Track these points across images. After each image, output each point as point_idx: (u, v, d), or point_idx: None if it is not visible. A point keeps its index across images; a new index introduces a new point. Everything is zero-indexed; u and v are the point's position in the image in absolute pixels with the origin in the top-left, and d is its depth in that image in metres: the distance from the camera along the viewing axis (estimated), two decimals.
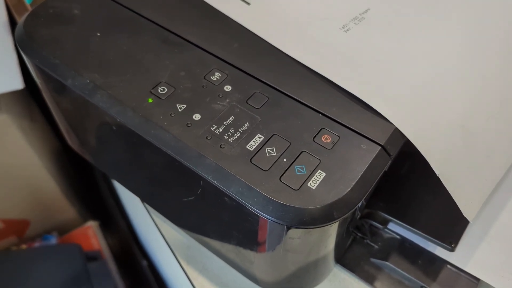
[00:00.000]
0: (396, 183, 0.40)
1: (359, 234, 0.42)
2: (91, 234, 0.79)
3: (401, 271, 0.39)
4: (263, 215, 0.28)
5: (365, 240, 0.42)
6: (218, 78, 0.34)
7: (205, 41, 0.37)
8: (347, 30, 0.38)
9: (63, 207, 0.82)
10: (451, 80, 0.36)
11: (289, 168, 0.29)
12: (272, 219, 0.28)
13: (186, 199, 0.35)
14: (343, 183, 0.29)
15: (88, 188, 0.85)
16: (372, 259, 0.41)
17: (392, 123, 0.32)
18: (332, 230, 0.31)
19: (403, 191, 0.40)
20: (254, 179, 0.29)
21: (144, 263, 0.65)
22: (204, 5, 0.40)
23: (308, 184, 0.29)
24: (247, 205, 0.29)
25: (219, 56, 0.36)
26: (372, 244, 0.42)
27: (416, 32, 0.38)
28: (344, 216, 0.28)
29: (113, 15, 0.39)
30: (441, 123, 0.33)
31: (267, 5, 0.40)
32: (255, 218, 0.29)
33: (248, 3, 0.40)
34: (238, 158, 0.30)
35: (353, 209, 0.29)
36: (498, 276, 0.37)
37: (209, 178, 0.30)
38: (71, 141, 0.47)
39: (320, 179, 0.29)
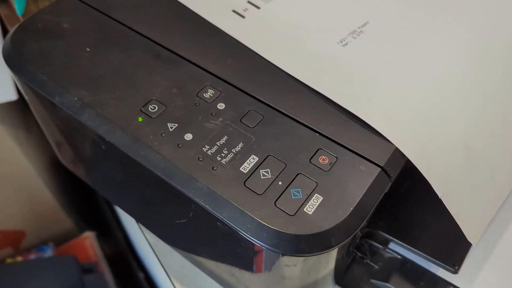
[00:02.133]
0: (397, 202, 0.38)
1: (358, 254, 0.40)
2: (88, 245, 0.78)
3: None
4: (257, 242, 0.27)
5: (364, 260, 0.41)
6: (211, 95, 0.33)
7: (198, 56, 0.36)
8: (345, 44, 0.36)
9: (60, 217, 0.82)
10: (452, 97, 0.34)
11: (285, 191, 0.28)
12: (267, 246, 0.27)
13: (178, 221, 0.34)
14: (341, 208, 0.27)
15: (84, 198, 0.84)
16: (372, 280, 0.40)
17: (392, 143, 0.30)
18: (330, 257, 0.30)
19: (404, 209, 0.39)
20: (248, 204, 0.27)
21: (141, 275, 0.64)
22: (197, 19, 0.39)
23: (305, 209, 0.27)
24: (240, 232, 0.27)
25: (213, 72, 0.35)
26: (372, 264, 0.40)
27: (416, 47, 0.37)
28: (343, 243, 0.27)
29: (104, 29, 0.38)
30: (443, 142, 0.32)
31: (262, 18, 0.39)
32: (249, 245, 0.28)
33: (243, 17, 0.39)
34: (231, 181, 0.29)
35: (352, 236, 0.27)
36: None
37: (200, 202, 0.28)
38: (62, 158, 0.46)
39: (317, 204, 0.28)
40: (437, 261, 0.36)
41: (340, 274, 0.39)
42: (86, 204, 0.84)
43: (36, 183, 0.74)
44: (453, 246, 0.36)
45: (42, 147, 0.75)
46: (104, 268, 0.75)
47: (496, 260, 0.38)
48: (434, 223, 0.38)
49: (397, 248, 0.40)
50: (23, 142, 0.69)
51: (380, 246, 0.39)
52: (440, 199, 0.31)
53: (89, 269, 0.73)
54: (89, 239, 0.79)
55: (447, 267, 0.35)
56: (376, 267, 0.40)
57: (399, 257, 0.40)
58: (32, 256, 0.77)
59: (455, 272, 0.35)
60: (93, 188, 0.46)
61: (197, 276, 0.42)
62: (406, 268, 0.40)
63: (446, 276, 0.38)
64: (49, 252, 0.78)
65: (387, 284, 0.39)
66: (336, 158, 0.30)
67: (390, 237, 0.37)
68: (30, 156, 0.71)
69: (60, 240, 0.80)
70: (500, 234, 0.39)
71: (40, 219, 0.79)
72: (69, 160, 0.44)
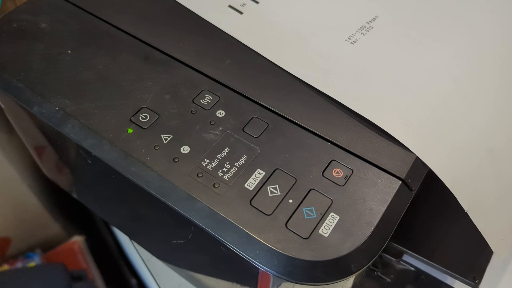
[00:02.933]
0: (410, 209, 0.36)
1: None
2: (77, 250, 0.76)
3: None
4: (266, 269, 0.24)
5: (375, 273, 0.38)
6: (209, 101, 0.31)
7: (192, 58, 0.33)
8: (354, 41, 0.33)
9: (46, 222, 0.79)
10: (474, 98, 0.32)
11: (296, 210, 0.26)
12: (278, 275, 0.24)
13: (175, 241, 0.31)
14: (360, 228, 0.25)
15: (72, 201, 0.82)
16: None
17: (412, 152, 0.28)
18: (348, 282, 0.27)
19: (418, 218, 0.36)
20: (255, 226, 0.25)
21: (133, 281, 0.62)
22: (191, 16, 0.36)
23: (320, 231, 0.25)
24: (247, 258, 0.24)
25: (210, 75, 0.32)
26: (384, 277, 0.38)
27: (431, 42, 0.34)
28: (364, 268, 0.24)
29: (87, 28, 0.35)
30: (467, 149, 0.29)
31: (263, 14, 0.36)
32: (257, 272, 0.25)
33: (241, 12, 0.35)
34: (235, 200, 0.26)
35: (374, 259, 0.24)
36: None
37: (201, 224, 0.25)
38: (44, 169, 0.42)
39: (333, 224, 0.25)
40: (456, 275, 0.33)
41: None
42: (74, 207, 0.82)
43: (20, 187, 0.71)
44: (472, 258, 0.34)
45: (25, 149, 0.72)
46: (95, 275, 0.73)
47: None
48: (450, 233, 0.35)
49: (411, 260, 0.37)
50: (5, 145, 0.66)
51: (393, 259, 0.36)
52: (456, 208, 0.28)
53: (78, 277, 0.70)
54: (78, 244, 0.76)
55: (467, 281, 0.33)
56: (388, 280, 0.38)
57: (412, 269, 0.38)
58: (19, 263, 0.74)
59: (476, 286, 0.33)
60: (80, 202, 0.43)
61: None
62: (421, 281, 0.38)
63: None
64: (36, 259, 0.75)
65: None
66: (351, 171, 0.27)
67: (404, 249, 0.35)
68: (13, 159, 0.68)
69: (48, 245, 0.78)
70: None
71: (26, 225, 0.77)
72: (52, 173, 0.41)
